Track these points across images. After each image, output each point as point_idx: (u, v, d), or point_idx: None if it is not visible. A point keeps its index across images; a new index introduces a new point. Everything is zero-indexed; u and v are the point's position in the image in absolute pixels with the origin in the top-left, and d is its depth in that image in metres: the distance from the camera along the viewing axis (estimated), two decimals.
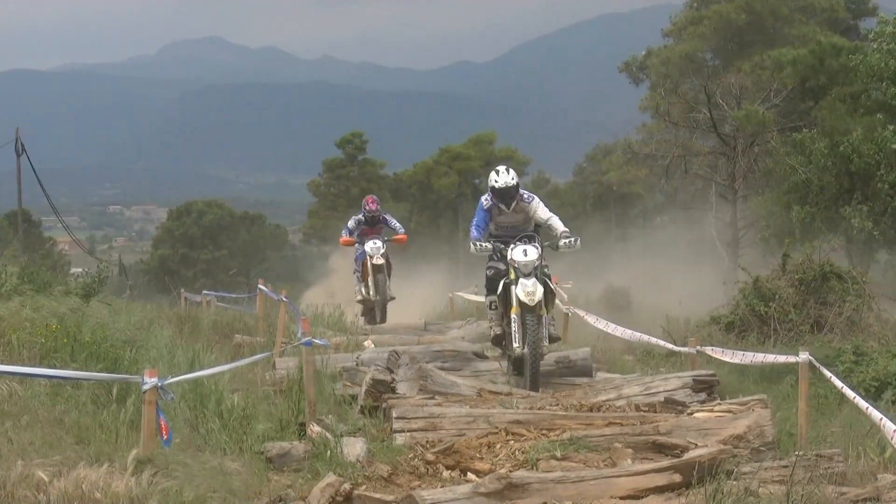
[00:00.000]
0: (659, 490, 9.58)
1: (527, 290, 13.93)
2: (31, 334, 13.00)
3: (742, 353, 14.30)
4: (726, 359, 14.38)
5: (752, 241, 40.67)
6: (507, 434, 11.27)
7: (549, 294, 14.53)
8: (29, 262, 24.65)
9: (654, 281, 42.06)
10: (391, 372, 13.52)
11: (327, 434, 11.10)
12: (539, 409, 12.12)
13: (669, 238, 65.03)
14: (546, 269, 14.69)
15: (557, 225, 15.02)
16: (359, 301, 25.09)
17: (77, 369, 11.24)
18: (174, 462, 9.15)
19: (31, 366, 10.93)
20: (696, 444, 10.56)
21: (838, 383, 11.09)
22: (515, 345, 14.01)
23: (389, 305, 24.90)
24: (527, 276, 14.10)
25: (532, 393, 13.48)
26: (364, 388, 12.97)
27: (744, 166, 39.97)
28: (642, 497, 9.46)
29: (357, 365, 14.94)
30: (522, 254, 14.24)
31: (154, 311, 22.38)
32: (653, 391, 13.16)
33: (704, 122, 41.47)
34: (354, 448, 10.68)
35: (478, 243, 14.70)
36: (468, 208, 74.07)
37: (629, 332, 18.74)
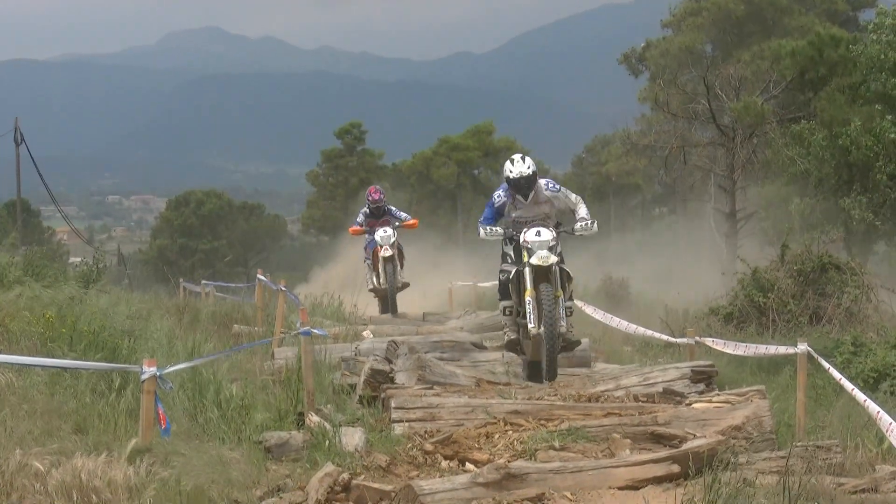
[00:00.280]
0: (657, 480, 9.59)
1: (541, 255, 13.02)
2: (29, 324, 13.00)
3: (743, 344, 14.32)
4: (727, 350, 14.40)
5: (750, 232, 40.72)
6: (505, 424, 11.27)
7: (564, 278, 13.59)
8: (30, 252, 24.68)
9: (653, 272, 42.06)
10: (390, 362, 13.51)
11: (326, 424, 11.10)
12: (537, 399, 12.13)
13: (668, 229, 65.12)
14: (561, 256, 13.67)
15: (580, 210, 13.92)
16: (370, 290, 24.35)
17: (75, 359, 11.25)
18: (172, 451, 9.16)
19: (29, 355, 10.92)
20: (695, 435, 10.57)
21: (836, 374, 11.10)
22: (531, 325, 13.06)
23: (405, 292, 24.56)
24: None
25: (546, 383, 13.23)
26: (363, 378, 12.97)
27: (742, 157, 39.95)
28: (640, 487, 9.46)
29: (356, 355, 14.94)
30: (536, 234, 13.23)
31: (153, 300, 22.41)
32: (651, 382, 13.16)
33: (703, 113, 41.45)
34: (353, 438, 10.69)
35: (488, 227, 13.62)
36: (467, 199, 74.17)
37: (627, 324, 18.73)
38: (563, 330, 13.29)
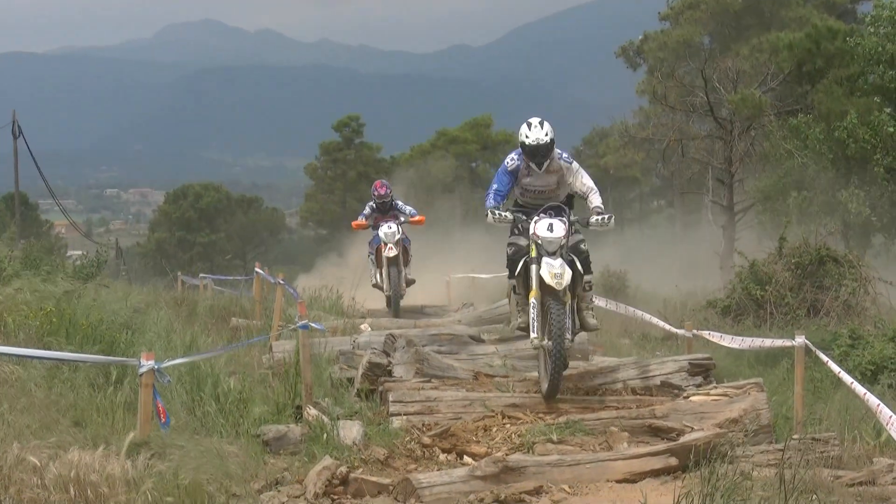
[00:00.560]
0: (655, 474, 9.61)
1: (553, 272, 11.56)
2: (27, 317, 13.00)
3: (740, 338, 14.32)
4: (724, 343, 14.40)
5: (748, 225, 40.71)
6: (503, 417, 11.29)
7: (578, 275, 12.19)
8: (28, 245, 24.68)
9: (651, 265, 42.06)
10: (388, 355, 13.51)
11: (324, 417, 11.11)
12: (535, 392, 12.13)
13: (666, 222, 65.14)
14: (582, 245, 12.44)
15: (594, 199, 12.70)
16: (374, 286, 23.20)
17: (73, 352, 11.25)
18: (170, 445, 9.15)
19: (27, 348, 10.92)
20: (692, 428, 10.58)
21: (835, 367, 11.11)
22: (534, 335, 11.62)
23: (411, 288, 23.58)
24: (552, 255, 11.73)
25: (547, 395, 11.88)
26: (361, 372, 12.97)
27: (740, 150, 39.95)
28: (638, 481, 9.48)
29: (354, 348, 14.94)
30: (547, 228, 11.87)
31: (151, 294, 22.41)
32: (649, 375, 13.17)
33: (701, 106, 41.45)
34: (351, 431, 10.69)
35: (496, 212, 12.30)
36: (465, 192, 74.07)
37: (628, 308, 18.75)
38: (569, 344, 11.75)
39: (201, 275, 33.01)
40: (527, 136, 12.37)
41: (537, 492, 9.20)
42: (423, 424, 11.16)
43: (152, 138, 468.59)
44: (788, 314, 22.51)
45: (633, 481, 9.48)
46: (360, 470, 9.74)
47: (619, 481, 9.47)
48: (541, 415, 11.34)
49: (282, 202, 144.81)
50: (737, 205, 41.29)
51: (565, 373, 11.93)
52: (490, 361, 14.83)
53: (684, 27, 56.57)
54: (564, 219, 12.17)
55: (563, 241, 11.89)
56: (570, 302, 11.92)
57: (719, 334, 14.91)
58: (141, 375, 9.28)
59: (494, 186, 12.68)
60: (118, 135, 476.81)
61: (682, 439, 10.19)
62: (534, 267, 11.85)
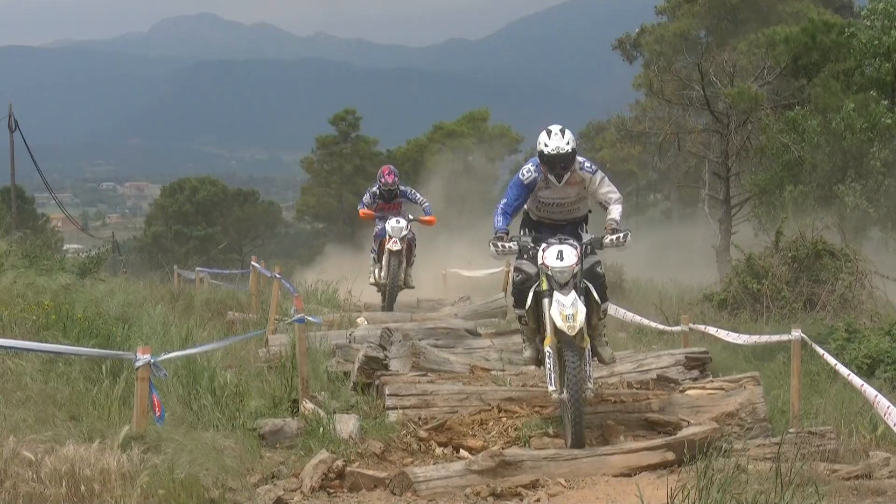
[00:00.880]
0: (651, 468, 9.62)
1: (564, 313, 10.26)
2: (23, 311, 12.99)
3: (736, 333, 14.32)
4: (721, 337, 14.40)
5: (744, 219, 40.69)
6: (499, 411, 11.28)
7: (594, 304, 10.89)
8: (24, 238, 24.63)
9: (647, 258, 42.04)
10: (384, 349, 13.50)
11: (320, 411, 11.12)
12: (532, 386, 12.13)
13: (662, 215, 65.13)
14: (598, 268, 11.19)
15: (612, 210, 11.44)
16: (371, 284, 22.10)
17: (69, 346, 11.24)
18: (166, 439, 9.15)
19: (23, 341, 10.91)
20: (689, 422, 10.59)
21: (831, 360, 11.12)
22: (551, 387, 10.31)
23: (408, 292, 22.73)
24: (563, 286, 10.46)
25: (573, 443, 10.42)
26: (357, 366, 12.96)
27: (737, 144, 39.90)
28: (635, 475, 9.49)
29: (350, 342, 14.94)
30: (556, 257, 10.63)
31: (147, 287, 22.39)
32: (645, 368, 13.17)
33: (698, 99, 41.39)
34: (347, 425, 10.70)
35: (499, 244, 10.92)
36: (461, 185, 73.99)
37: (625, 312, 18.73)
38: (590, 394, 10.47)
39: (197, 268, 32.99)
40: (546, 145, 11.15)
41: (534, 486, 9.22)
42: (420, 418, 11.16)
43: (148, 132, 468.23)
44: (785, 308, 22.51)
45: (630, 475, 9.49)
46: (357, 464, 9.75)
47: (615, 475, 9.49)
48: (537, 408, 11.33)
49: (278, 196, 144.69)
50: (733, 198, 41.25)
51: None
52: (486, 355, 14.85)
53: (681, 20, 56.48)
54: (575, 243, 10.94)
55: (576, 268, 10.64)
56: (588, 344, 10.51)
57: (715, 329, 14.90)
58: (137, 369, 9.27)
59: (504, 201, 11.42)
60: (114, 128, 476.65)
61: (679, 433, 10.20)
62: (545, 303, 10.55)
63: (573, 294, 10.47)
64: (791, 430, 10.55)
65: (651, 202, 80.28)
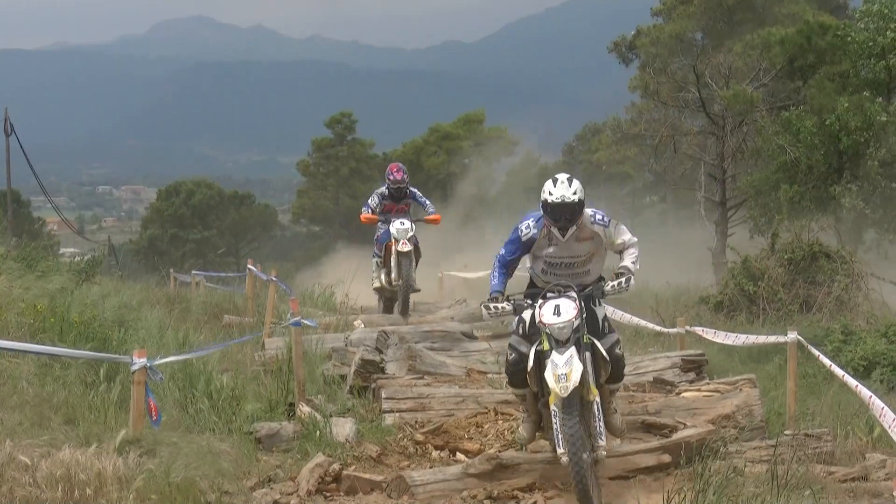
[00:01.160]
0: (648, 470, 9.61)
1: (557, 373, 9.14)
2: (19, 314, 12.98)
3: (733, 334, 14.33)
4: (717, 339, 14.41)
5: (740, 221, 40.71)
6: (496, 414, 11.29)
7: (600, 361, 9.72)
8: (20, 243, 24.63)
9: (643, 261, 42.02)
10: (380, 352, 13.51)
11: (316, 414, 11.12)
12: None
13: (658, 218, 65.13)
14: (617, 349, 10.05)
15: (625, 256, 10.54)
16: (376, 289, 20.86)
17: (66, 349, 11.24)
18: (163, 442, 9.16)
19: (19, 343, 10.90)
20: (685, 424, 10.59)
21: (827, 362, 11.14)
22: (560, 450, 9.06)
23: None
24: (563, 344, 9.29)
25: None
26: (353, 369, 12.97)
27: (732, 146, 39.93)
28: (631, 477, 9.48)
29: (346, 345, 14.93)
30: (553, 312, 9.46)
31: (143, 291, 22.39)
32: (642, 371, 13.18)
33: (693, 101, 41.43)
34: (344, 428, 10.71)
35: (492, 305, 9.85)
36: (458, 187, 73.96)
37: (623, 314, 18.73)
38: (603, 454, 9.34)
39: (194, 271, 32.94)
40: (550, 193, 9.87)
41: (530, 489, 9.22)
42: (416, 421, 11.17)
43: (144, 134, 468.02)
44: (781, 310, 22.56)
45: (626, 478, 9.49)
46: (353, 467, 9.75)
47: (611, 478, 9.48)
48: None
49: (274, 198, 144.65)
50: (729, 200, 41.28)
51: None
52: (483, 358, 14.86)
53: (677, 22, 56.43)
54: (573, 294, 9.76)
55: (576, 321, 9.43)
56: (595, 397, 9.44)
57: (712, 331, 14.91)
58: (133, 373, 9.27)
59: (501, 252, 10.31)
60: (110, 131, 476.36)
61: (675, 436, 10.20)
62: (548, 363, 9.33)
63: (570, 351, 9.25)
64: (787, 433, 10.57)
65: (647, 204, 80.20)
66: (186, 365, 11.61)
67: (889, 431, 8.99)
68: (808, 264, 23.58)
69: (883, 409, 9.17)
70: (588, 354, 9.48)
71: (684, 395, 11.77)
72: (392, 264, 19.89)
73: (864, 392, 9.73)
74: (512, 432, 10.71)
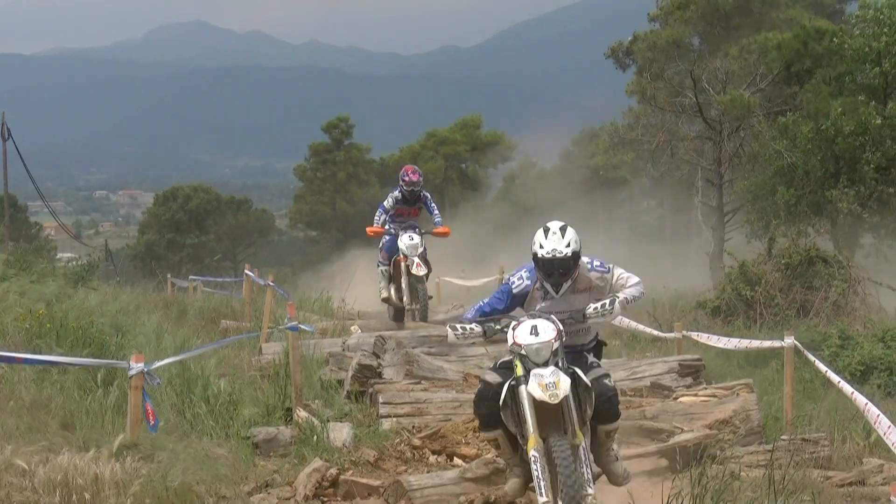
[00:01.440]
0: (645, 475, 9.61)
1: (543, 382, 8.18)
2: (16, 319, 12.99)
3: (729, 339, 14.33)
4: (714, 344, 14.41)
5: (738, 225, 40.74)
6: None
7: (584, 395, 8.56)
8: (17, 248, 24.65)
9: (640, 265, 42.04)
10: (378, 357, 13.51)
11: (314, 419, 11.12)
12: None
13: (655, 222, 65.24)
14: (606, 380, 8.82)
15: (623, 291, 9.10)
16: (384, 297, 19.54)
17: (62, 354, 11.24)
18: (160, 447, 9.16)
19: (16, 351, 10.91)
20: (682, 429, 10.59)
21: (823, 367, 11.13)
22: (542, 499, 8.07)
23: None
24: (540, 367, 8.30)
25: None
26: (350, 374, 12.97)
27: (729, 151, 39.98)
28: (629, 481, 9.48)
29: (344, 350, 14.93)
30: (531, 332, 8.45)
31: (140, 296, 22.40)
32: (639, 376, 13.19)
33: (690, 106, 41.48)
34: (341, 433, 10.70)
35: (458, 326, 8.85)
36: (454, 192, 74.02)
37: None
38: (591, 502, 8.25)
39: (191, 276, 33.00)
40: (541, 246, 8.82)
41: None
42: (413, 426, 11.17)
43: (142, 139, 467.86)
44: (778, 315, 22.57)
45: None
46: (351, 472, 9.75)
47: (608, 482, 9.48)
48: None
49: (271, 203, 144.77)
50: (726, 205, 41.31)
51: None
52: (480, 363, 14.84)
53: (674, 27, 56.51)
54: (553, 317, 8.70)
55: (555, 344, 8.41)
56: (582, 441, 8.36)
57: (707, 335, 14.92)
58: (131, 378, 9.27)
59: (485, 300, 9.23)
60: (107, 136, 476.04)
61: (673, 440, 10.21)
62: (523, 388, 8.31)
63: (554, 367, 8.28)
64: (784, 437, 10.57)
65: (644, 209, 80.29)
66: (184, 370, 11.61)
67: (885, 438, 8.98)
68: (806, 269, 23.60)
69: (878, 416, 9.17)
70: (570, 383, 8.31)
71: (681, 399, 11.77)
72: (403, 286, 18.82)
73: (860, 399, 9.73)
74: None
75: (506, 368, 8.68)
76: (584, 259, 8.98)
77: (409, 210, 19.11)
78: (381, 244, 19.39)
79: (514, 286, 9.02)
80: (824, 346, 17.35)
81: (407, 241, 18.56)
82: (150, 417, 9.30)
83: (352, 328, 18.20)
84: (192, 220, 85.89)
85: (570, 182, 72.70)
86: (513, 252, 36.93)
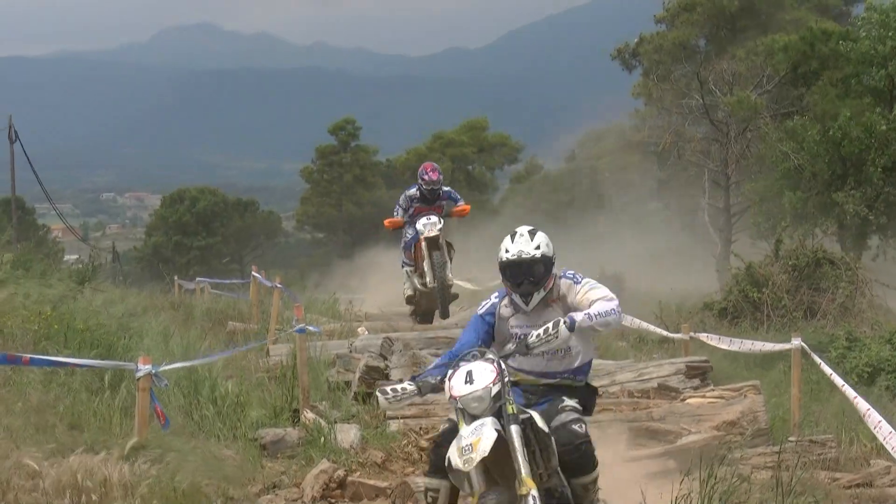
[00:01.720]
0: (653, 476, 9.60)
1: (461, 444, 7.04)
2: (24, 321, 13.00)
3: (738, 340, 14.32)
4: (721, 346, 14.40)
5: (744, 227, 40.73)
6: None
7: (545, 443, 7.33)
8: (24, 250, 24.66)
9: (647, 267, 42.06)
10: (385, 359, 13.51)
11: (321, 421, 11.12)
12: None
13: (662, 224, 65.11)
14: (576, 426, 7.74)
15: (590, 306, 7.79)
16: (409, 296, 19.13)
17: (70, 356, 11.26)
18: (168, 449, 9.16)
19: (23, 353, 10.91)
20: (690, 431, 10.58)
21: (827, 370, 11.12)
22: None
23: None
24: (482, 415, 7.23)
25: None
26: (358, 375, 12.97)
27: (736, 152, 40.02)
28: (636, 483, 9.48)
29: (351, 352, 14.92)
30: (465, 380, 7.35)
31: (148, 298, 22.42)
32: (646, 377, 13.17)
33: (697, 108, 41.49)
34: (348, 435, 10.71)
35: (389, 389, 7.79)
36: (461, 194, 73.89)
37: (626, 317, 18.71)
38: None
39: (198, 278, 32.98)
40: (506, 250, 7.98)
41: None
42: (421, 427, 11.16)
43: (148, 142, 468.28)
44: (785, 316, 22.59)
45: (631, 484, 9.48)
46: (358, 473, 9.76)
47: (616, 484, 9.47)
48: None
49: (277, 205, 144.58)
50: (733, 207, 41.34)
51: None
52: None
53: (680, 29, 56.43)
54: (492, 357, 7.53)
55: (495, 388, 7.24)
56: (530, 492, 6.87)
57: (716, 337, 14.90)
58: (138, 379, 9.28)
59: (458, 344, 8.19)
60: (114, 138, 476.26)
61: (680, 442, 10.20)
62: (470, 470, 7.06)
63: (489, 420, 7.12)
64: (792, 439, 10.57)
65: (651, 211, 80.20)
66: (191, 371, 11.63)
67: (884, 443, 8.97)
68: (813, 271, 23.61)
69: (880, 421, 9.14)
70: (516, 429, 7.06)
71: (689, 401, 11.76)
72: (426, 268, 18.02)
73: (862, 405, 9.69)
74: None
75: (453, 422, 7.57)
76: (563, 273, 8.13)
77: (429, 209, 18.22)
78: (402, 243, 18.83)
79: (479, 308, 8.29)
80: (831, 348, 17.36)
81: (424, 220, 17.82)
82: (161, 417, 9.32)
83: (358, 330, 18.19)
84: (198, 222, 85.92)
85: (576, 184, 72.75)
86: None
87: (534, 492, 6.83)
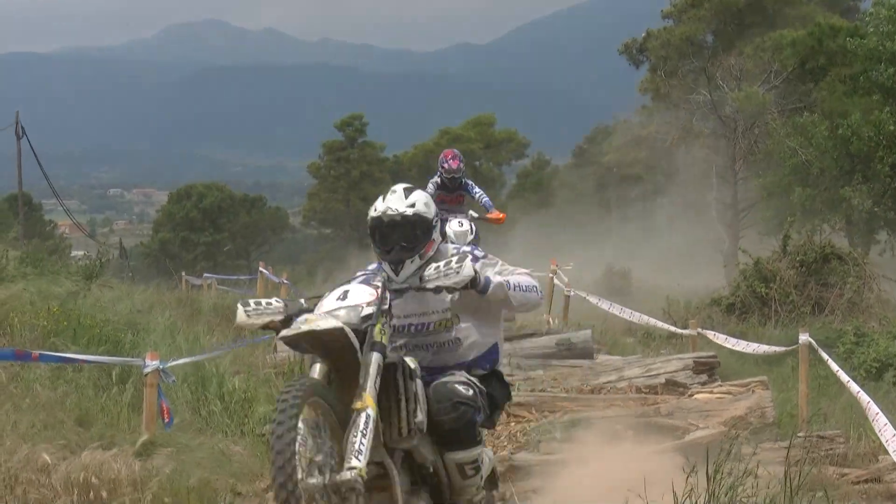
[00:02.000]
0: (660, 471, 9.60)
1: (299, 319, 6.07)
2: (32, 317, 13.01)
3: (744, 342, 14.31)
4: (726, 345, 14.40)
5: (752, 222, 40.70)
6: (508, 416, 11.27)
7: (409, 396, 6.03)
8: (31, 246, 24.65)
9: (655, 263, 42.05)
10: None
11: None
12: (540, 391, 12.12)
13: (669, 220, 65.08)
14: (467, 390, 6.32)
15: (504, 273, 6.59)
16: None
17: (78, 352, 11.26)
18: (176, 444, 9.17)
19: (31, 349, 10.92)
20: (697, 426, 10.57)
21: (834, 366, 11.10)
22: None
23: None
24: None
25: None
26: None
27: (744, 148, 40.01)
28: (643, 479, 9.47)
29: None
30: (338, 297, 6.15)
31: (155, 294, 22.42)
32: (654, 373, 13.16)
33: (704, 103, 41.46)
34: None
35: (252, 302, 6.47)
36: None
37: (634, 313, 18.70)
38: (349, 476, 5.41)
39: (205, 274, 33.01)
40: (375, 209, 6.54)
41: (543, 490, 9.20)
42: None
43: (155, 138, 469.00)
44: (793, 312, 22.55)
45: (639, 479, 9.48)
46: None
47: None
48: (546, 413, 11.32)
49: (284, 201, 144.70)
50: (741, 202, 41.32)
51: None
52: None
53: (687, 25, 56.38)
54: (378, 283, 6.31)
55: (368, 309, 5.94)
56: (366, 409, 5.61)
57: (724, 336, 14.90)
58: (146, 375, 9.28)
59: None
60: (121, 134, 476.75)
61: (688, 437, 10.19)
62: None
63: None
64: (800, 434, 10.55)
65: (658, 206, 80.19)
66: (198, 367, 11.62)
67: (879, 434, 8.94)
68: (820, 266, 23.56)
69: (877, 413, 9.12)
70: (376, 356, 5.80)
71: (697, 396, 11.75)
72: None
73: (864, 398, 9.68)
74: (524, 435, 10.70)
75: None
76: (451, 246, 6.81)
77: (451, 198, 17.28)
78: None
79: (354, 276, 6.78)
80: (839, 344, 17.33)
81: (456, 227, 16.07)
82: (165, 415, 9.32)
83: None
84: (205, 218, 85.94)
85: (583, 179, 72.71)
86: (525, 251, 36.94)
87: (370, 411, 5.59)
